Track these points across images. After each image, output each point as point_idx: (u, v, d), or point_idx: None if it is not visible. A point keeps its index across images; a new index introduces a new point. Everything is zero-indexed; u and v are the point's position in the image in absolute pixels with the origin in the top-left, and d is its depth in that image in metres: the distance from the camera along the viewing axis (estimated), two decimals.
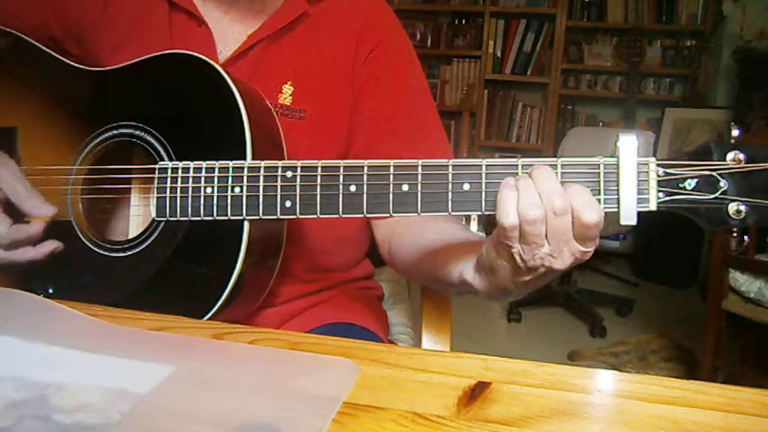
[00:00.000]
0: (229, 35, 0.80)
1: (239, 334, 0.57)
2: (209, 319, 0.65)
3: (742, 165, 0.52)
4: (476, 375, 0.49)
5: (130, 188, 0.75)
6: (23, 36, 0.80)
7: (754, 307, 1.78)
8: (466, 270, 0.62)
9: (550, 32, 3.88)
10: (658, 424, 0.43)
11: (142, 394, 0.44)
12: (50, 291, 0.71)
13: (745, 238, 0.56)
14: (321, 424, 0.41)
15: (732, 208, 0.53)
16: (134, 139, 0.70)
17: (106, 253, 0.70)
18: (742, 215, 0.53)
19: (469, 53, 3.98)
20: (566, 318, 2.85)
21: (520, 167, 0.56)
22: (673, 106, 3.64)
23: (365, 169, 0.59)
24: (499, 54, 3.97)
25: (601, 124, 3.94)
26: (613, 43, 3.87)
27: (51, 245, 0.70)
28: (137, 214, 0.75)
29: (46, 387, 0.44)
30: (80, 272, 0.71)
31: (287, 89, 0.79)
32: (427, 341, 0.94)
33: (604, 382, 0.50)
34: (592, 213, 0.52)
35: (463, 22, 4.04)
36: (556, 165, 0.55)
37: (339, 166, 0.60)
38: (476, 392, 0.46)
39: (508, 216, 0.52)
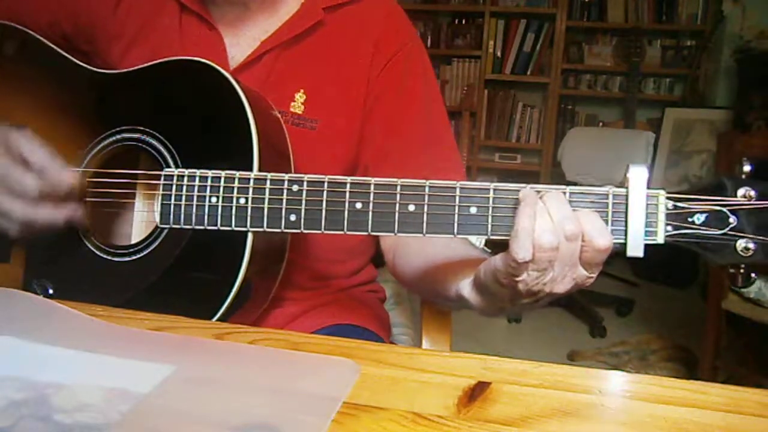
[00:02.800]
0: (241, 41, 0.79)
1: (239, 334, 0.57)
2: None
3: (753, 202, 0.52)
4: (476, 375, 0.49)
5: (135, 193, 0.74)
6: (34, 34, 0.80)
7: (754, 307, 1.78)
8: (462, 286, 0.61)
9: (550, 32, 3.88)
10: (658, 424, 0.43)
11: (142, 394, 0.44)
12: (50, 291, 0.70)
13: (753, 275, 0.54)
14: (321, 424, 0.41)
15: (740, 244, 0.52)
16: (141, 144, 0.70)
17: (108, 257, 0.70)
18: (750, 252, 0.52)
19: (469, 53, 3.98)
20: (566, 318, 2.84)
21: None
22: (673, 106, 3.64)
23: (372, 186, 0.58)
24: (499, 54, 3.97)
25: (601, 124, 3.94)
26: (613, 43, 3.87)
27: (71, 208, 0.68)
28: (142, 220, 0.75)
29: (46, 387, 0.44)
30: (81, 275, 0.71)
31: (299, 97, 0.78)
32: (427, 341, 0.94)
33: (605, 382, 0.50)
34: (604, 239, 0.52)
35: (463, 22, 4.04)
36: (565, 192, 0.54)
37: (346, 183, 0.59)
38: (476, 392, 0.46)
39: (521, 252, 0.50)
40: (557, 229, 0.51)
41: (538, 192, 0.54)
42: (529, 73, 3.96)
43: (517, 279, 0.52)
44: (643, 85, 3.79)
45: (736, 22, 3.43)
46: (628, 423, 0.43)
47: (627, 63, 3.59)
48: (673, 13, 3.76)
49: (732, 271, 0.54)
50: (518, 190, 0.55)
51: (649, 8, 3.78)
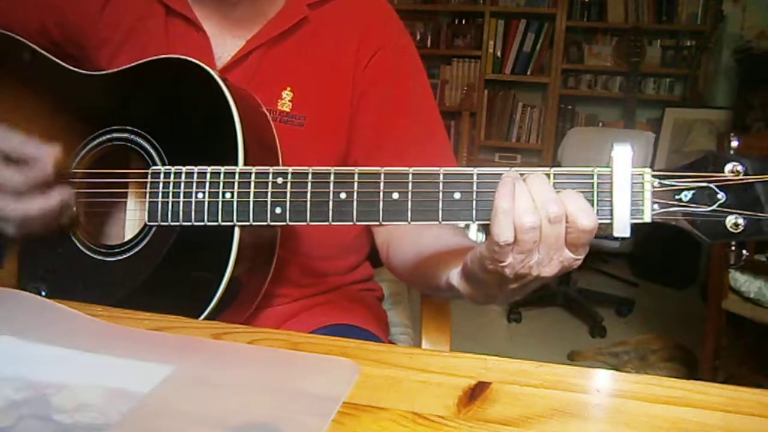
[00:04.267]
0: (227, 40, 0.79)
1: (239, 334, 0.57)
2: None
3: (741, 177, 0.51)
4: (476, 375, 0.49)
5: (124, 192, 0.74)
6: (22, 39, 0.80)
7: (754, 307, 1.78)
8: (452, 275, 0.62)
9: (550, 32, 3.88)
10: (658, 424, 0.43)
11: (142, 394, 0.44)
12: (42, 294, 0.70)
13: (744, 252, 0.53)
14: (321, 424, 0.41)
15: (730, 221, 0.51)
16: (129, 144, 0.70)
17: (98, 257, 0.70)
18: (741, 228, 0.51)
19: (469, 53, 3.98)
20: (566, 318, 2.85)
21: None
22: (673, 106, 3.64)
23: (356, 176, 0.58)
24: (499, 54, 3.97)
25: (601, 124, 3.95)
26: (613, 43, 3.88)
27: (60, 193, 0.67)
28: (132, 219, 0.75)
29: (46, 387, 0.44)
30: (72, 275, 0.71)
31: (286, 95, 0.78)
32: (427, 341, 0.94)
33: (604, 382, 0.50)
34: (588, 218, 0.51)
35: (463, 22, 4.04)
36: (549, 174, 0.54)
37: (329, 173, 0.59)
38: (476, 392, 0.46)
39: (503, 234, 0.51)
40: (539, 210, 0.51)
41: (522, 174, 0.53)
42: (529, 73, 3.96)
43: (503, 264, 0.52)
44: (643, 85, 3.79)
45: (736, 22, 3.43)
46: (628, 423, 0.43)
47: (627, 63, 3.59)
48: (673, 13, 3.76)
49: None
50: (501, 174, 0.55)
51: (649, 8, 3.78)
